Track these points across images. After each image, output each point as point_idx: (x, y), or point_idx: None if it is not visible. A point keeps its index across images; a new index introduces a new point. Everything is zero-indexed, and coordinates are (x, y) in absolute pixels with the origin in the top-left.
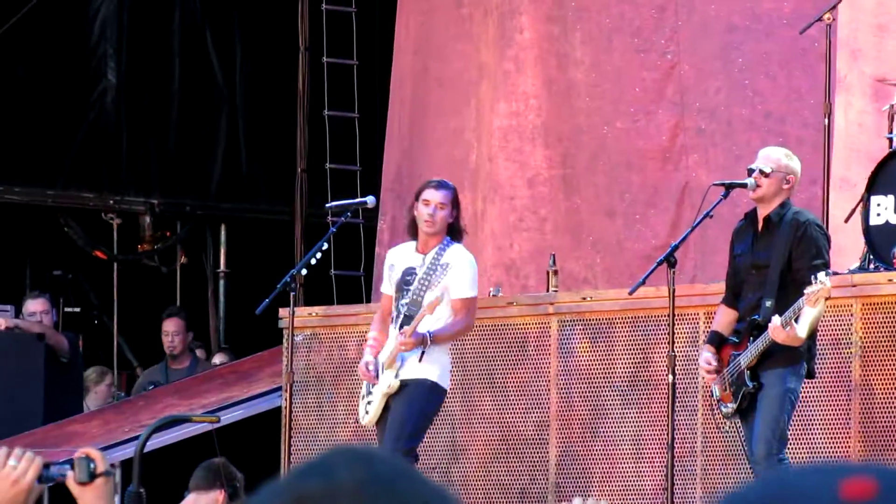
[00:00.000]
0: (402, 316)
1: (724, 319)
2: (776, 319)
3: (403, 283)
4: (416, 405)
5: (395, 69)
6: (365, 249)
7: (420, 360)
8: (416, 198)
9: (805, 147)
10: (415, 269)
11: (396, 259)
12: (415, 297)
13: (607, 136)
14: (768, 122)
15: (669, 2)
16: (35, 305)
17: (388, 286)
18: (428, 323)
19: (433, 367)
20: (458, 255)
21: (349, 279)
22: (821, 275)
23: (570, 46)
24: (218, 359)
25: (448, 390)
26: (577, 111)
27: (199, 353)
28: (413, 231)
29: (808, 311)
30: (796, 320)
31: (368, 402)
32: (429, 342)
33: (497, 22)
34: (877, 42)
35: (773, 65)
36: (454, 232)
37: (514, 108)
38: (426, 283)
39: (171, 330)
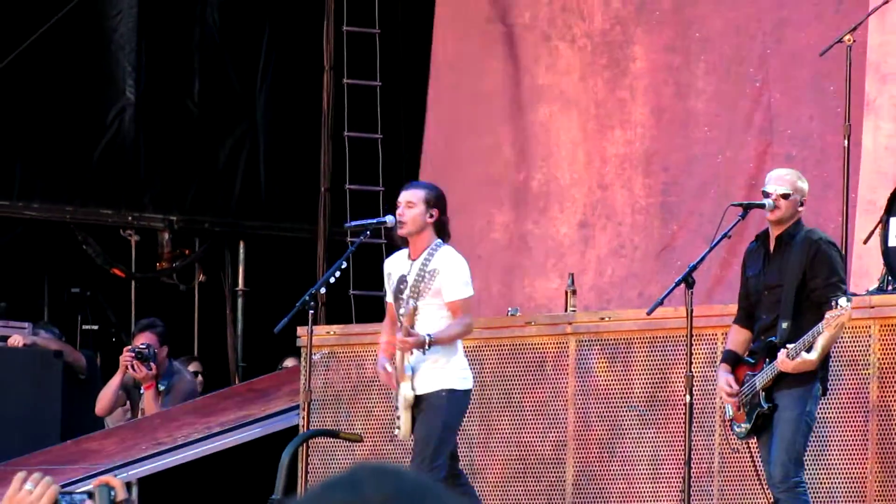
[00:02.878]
0: (403, 325)
1: (738, 338)
2: (782, 354)
3: (398, 293)
4: (436, 421)
5: (432, 87)
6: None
7: (423, 352)
8: None
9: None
10: (406, 276)
11: (392, 267)
12: (408, 306)
13: (720, 164)
14: (857, 150)
15: (759, 30)
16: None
17: (389, 294)
18: (427, 330)
19: (447, 373)
20: (445, 259)
21: (368, 298)
22: (842, 300)
23: (692, 76)
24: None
25: (471, 388)
26: (693, 140)
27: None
28: (405, 239)
29: (824, 335)
30: (809, 349)
31: (398, 417)
32: (428, 344)
33: (604, 50)
34: None
35: (853, 91)
36: (442, 233)
37: (627, 136)
38: (416, 291)
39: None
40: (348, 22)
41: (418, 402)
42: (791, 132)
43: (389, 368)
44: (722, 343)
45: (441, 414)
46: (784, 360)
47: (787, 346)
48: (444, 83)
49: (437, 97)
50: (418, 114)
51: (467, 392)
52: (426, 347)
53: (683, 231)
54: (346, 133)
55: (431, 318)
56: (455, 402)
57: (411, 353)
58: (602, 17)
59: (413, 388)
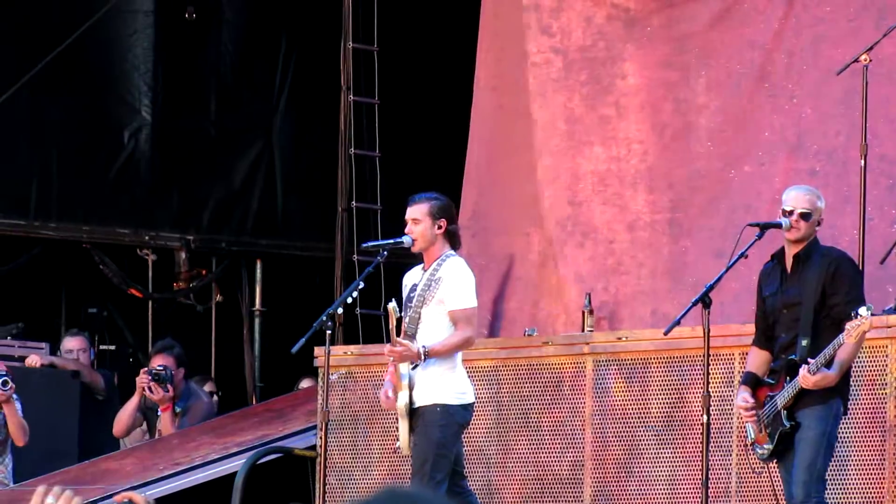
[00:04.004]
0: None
1: (758, 360)
2: (803, 370)
3: (407, 301)
4: (431, 438)
5: (475, 109)
6: (389, 288)
7: (413, 368)
8: None
9: None
10: (416, 285)
11: (407, 280)
12: (413, 313)
13: (733, 179)
14: (882, 165)
15: (795, 46)
16: (73, 343)
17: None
18: (429, 339)
19: (443, 387)
20: (451, 268)
21: (376, 318)
22: (862, 309)
23: (691, 92)
24: (208, 387)
25: (472, 402)
26: (695, 156)
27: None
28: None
29: (846, 347)
30: (828, 364)
31: (397, 428)
32: (423, 356)
33: (586, 68)
34: None
35: (893, 108)
36: (453, 241)
37: (613, 153)
38: (422, 298)
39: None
40: (356, 39)
41: (414, 415)
42: (818, 147)
43: (391, 395)
44: (739, 363)
45: (435, 431)
46: (805, 376)
47: (809, 360)
48: (486, 104)
49: (480, 119)
50: (418, 131)
51: (466, 407)
52: (421, 359)
53: (695, 247)
54: (351, 151)
55: (435, 327)
56: (449, 417)
57: (413, 364)
58: (583, 33)
59: (411, 398)
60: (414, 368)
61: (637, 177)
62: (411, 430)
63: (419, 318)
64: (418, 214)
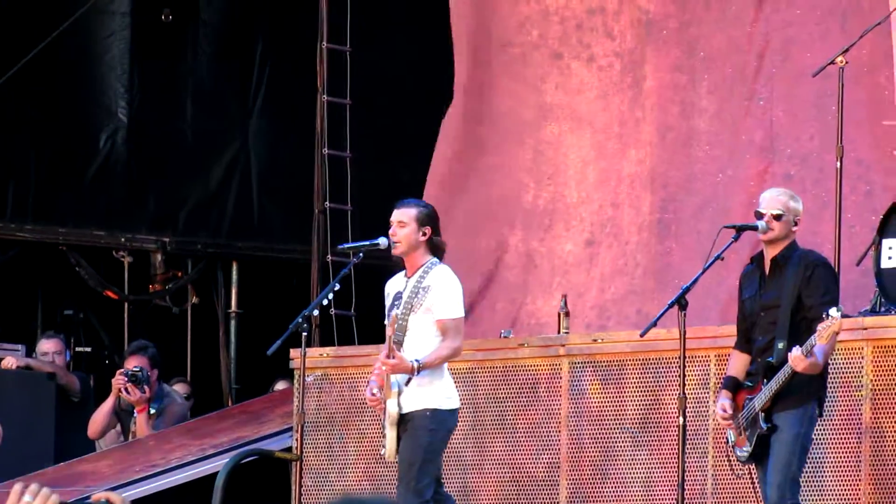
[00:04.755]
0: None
1: (738, 364)
2: (797, 350)
3: (391, 310)
4: (419, 442)
5: (451, 107)
6: (360, 290)
7: (407, 383)
8: None
9: (889, 194)
10: (401, 293)
11: (390, 288)
12: (400, 321)
13: (720, 183)
14: (858, 170)
15: (767, 49)
16: (48, 345)
17: (386, 316)
18: (418, 348)
19: (432, 393)
20: (439, 277)
21: (349, 319)
22: (832, 310)
23: (696, 95)
24: (182, 389)
25: (458, 408)
26: (693, 159)
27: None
28: (402, 259)
29: (818, 347)
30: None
31: (384, 436)
32: (416, 370)
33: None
34: None
35: (865, 111)
36: (436, 251)
37: (638, 154)
38: (409, 306)
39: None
40: (331, 40)
41: (403, 421)
42: (791, 151)
43: (377, 393)
44: (715, 365)
45: (425, 435)
46: (798, 357)
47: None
48: (457, 105)
49: (449, 120)
50: (391, 132)
51: (453, 412)
52: (415, 373)
53: (681, 249)
54: (324, 150)
55: (422, 335)
56: (439, 422)
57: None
58: (630, 36)
59: (399, 406)
60: (408, 383)
61: (645, 179)
62: (399, 437)
63: (406, 326)
64: (405, 218)
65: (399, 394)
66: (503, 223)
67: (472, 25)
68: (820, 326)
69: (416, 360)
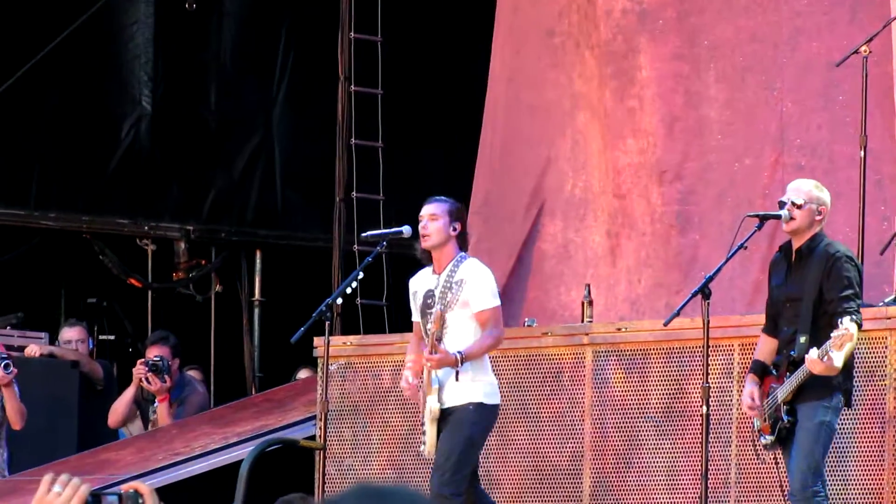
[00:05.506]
0: (429, 339)
1: (766, 348)
2: (813, 353)
3: (425, 307)
4: (461, 434)
5: (489, 100)
6: (391, 279)
7: (457, 379)
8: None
9: None
10: (433, 290)
11: (417, 285)
12: (434, 313)
13: (737, 172)
14: (868, 160)
15: (780, 39)
16: (72, 333)
17: (415, 313)
18: (458, 343)
19: (475, 387)
20: (471, 269)
21: (377, 309)
22: (846, 319)
23: (702, 84)
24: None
25: (499, 404)
26: (707, 149)
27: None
28: (428, 256)
29: (837, 354)
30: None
31: (423, 433)
32: (460, 362)
33: (609, 59)
34: None
35: (870, 102)
36: (464, 245)
37: (639, 145)
38: (444, 302)
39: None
40: (357, 29)
41: (444, 416)
42: (801, 141)
43: (412, 380)
44: (739, 354)
45: (466, 428)
46: (814, 360)
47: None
48: (501, 96)
49: (494, 109)
50: (421, 121)
51: (495, 407)
52: (458, 366)
53: (705, 240)
54: (352, 141)
55: (461, 330)
56: (481, 416)
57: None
58: (605, 26)
59: (440, 402)
60: (458, 378)
61: (651, 170)
62: (439, 431)
63: (444, 322)
64: (438, 211)
65: (440, 390)
66: (546, 213)
67: (516, 15)
68: (834, 334)
69: (459, 353)
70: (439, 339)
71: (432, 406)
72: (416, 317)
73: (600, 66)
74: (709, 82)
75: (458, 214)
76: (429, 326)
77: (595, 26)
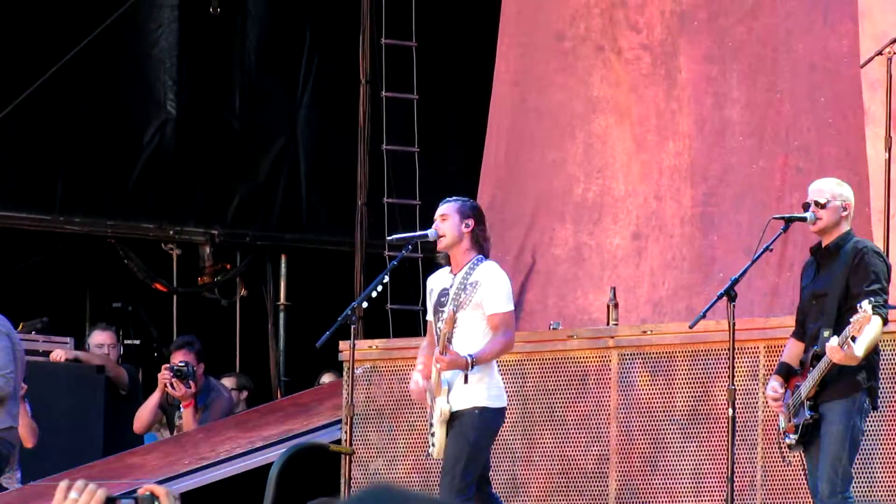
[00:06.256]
0: (440, 339)
1: (792, 351)
2: (833, 340)
3: (438, 305)
4: (466, 439)
5: (494, 102)
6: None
7: (465, 381)
8: None
9: None
10: (447, 290)
11: (434, 284)
12: (447, 318)
13: (754, 174)
14: (849, 161)
15: (778, 40)
16: (103, 337)
17: (430, 312)
18: (467, 344)
19: (480, 390)
20: (487, 272)
21: (406, 313)
22: (864, 303)
23: (727, 86)
24: (228, 382)
25: (505, 407)
26: (729, 150)
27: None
28: (447, 257)
29: (860, 338)
30: (853, 340)
31: (432, 434)
32: (470, 365)
33: (657, 62)
34: None
35: (845, 103)
36: (481, 247)
37: (676, 147)
38: (457, 302)
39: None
40: (387, 35)
41: (451, 419)
42: (798, 143)
43: (421, 383)
44: (764, 356)
45: (471, 432)
46: (834, 347)
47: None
48: (506, 99)
49: (499, 113)
50: (456, 126)
51: (501, 410)
52: (469, 368)
53: (723, 242)
54: (384, 146)
55: (471, 331)
56: (487, 420)
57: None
58: (660, 28)
59: (448, 403)
60: (466, 381)
61: (686, 172)
62: (446, 435)
63: (455, 322)
64: (448, 211)
65: (448, 391)
66: (555, 217)
67: (521, 18)
68: (852, 319)
69: (470, 356)
70: (450, 340)
71: (442, 407)
72: (430, 315)
73: (639, 70)
74: (732, 84)
75: (470, 211)
76: (439, 325)
77: (628, 29)
